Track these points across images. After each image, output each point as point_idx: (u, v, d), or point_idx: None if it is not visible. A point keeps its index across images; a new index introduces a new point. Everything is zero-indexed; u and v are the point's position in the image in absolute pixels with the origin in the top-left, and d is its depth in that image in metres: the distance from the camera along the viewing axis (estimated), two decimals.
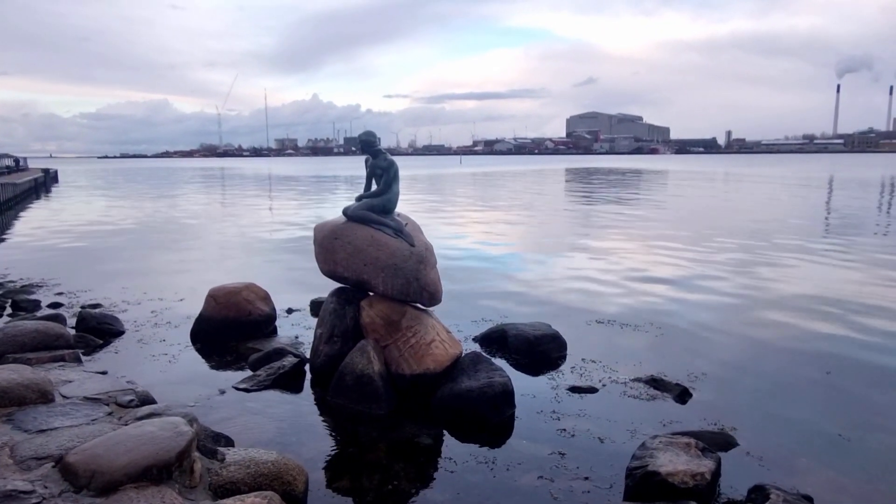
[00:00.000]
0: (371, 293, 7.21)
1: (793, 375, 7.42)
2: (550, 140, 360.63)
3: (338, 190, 46.02)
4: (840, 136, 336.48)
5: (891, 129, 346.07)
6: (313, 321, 9.53)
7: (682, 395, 6.61)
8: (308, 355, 7.60)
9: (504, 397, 6.20)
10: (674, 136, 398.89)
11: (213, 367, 7.71)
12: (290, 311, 10.18)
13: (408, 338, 6.86)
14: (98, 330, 8.80)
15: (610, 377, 7.19)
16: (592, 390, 6.78)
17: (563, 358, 7.84)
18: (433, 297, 7.11)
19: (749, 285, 11.98)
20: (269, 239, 19.03)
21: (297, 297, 10.88)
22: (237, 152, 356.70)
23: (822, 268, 13.81)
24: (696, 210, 27.72)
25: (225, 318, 8.73)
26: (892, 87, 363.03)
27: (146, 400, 5.43)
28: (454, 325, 8.37)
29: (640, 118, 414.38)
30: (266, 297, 9.33)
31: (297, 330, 9.20)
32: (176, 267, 14.34)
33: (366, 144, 7.26)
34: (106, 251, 16.83)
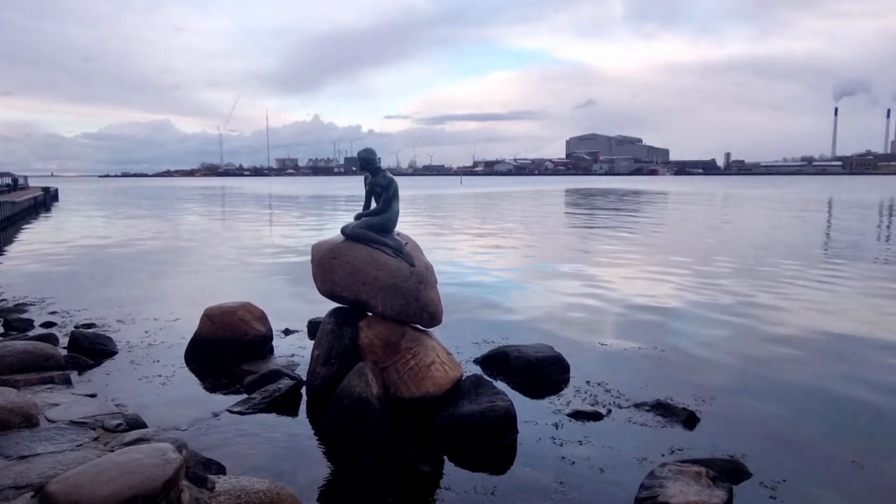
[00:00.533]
0: (370, 314, 7.04)
1: (801, 399, 7.22)
2: (550, 161, 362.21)
3: (337, 209, 45.97)
4: (838, 158, 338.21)
5: (888, 151, 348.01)
6: (310, 342, 9.34)
7: (690, 421, 6.41)
8: (305, 377, 7.41)
9: (506, 422, 6.00)
10: (673, 157, 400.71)
11: (207, 389, 7.51)
12: (286, 331, 9.99)
13: (407, 360, 6.68)
14: (90, 350, 8.61)
15: (615, 401, 6.99)
16: (597, 416, 6.57)
17: (566, 381, 7.64)
18: (433, 318, 6.94)
19: (753, 308, 11.80)
20: (267, 259, 18.88)
21: (294, 318, 10.69)
22: (238, 172, 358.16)
23: (827, 292, 13.64)
24: (698, 232, 27.62)
25: (220, 338, 8.54)
26: (888, 111, 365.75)
27: (135, 424, 5.24)
28: (454, 347, 8.18)
29: (640, 140, 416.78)
30: (262, 318, 9.15)
31: (294, 351, 9.01)
32: (172, 286, 14.17)
33: (365, 162, 7.14)
34: (103, 270, 16.67)
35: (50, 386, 6.48)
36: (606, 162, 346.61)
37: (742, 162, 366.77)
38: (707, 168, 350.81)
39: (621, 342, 9.34)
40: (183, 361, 8.46)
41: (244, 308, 8.98)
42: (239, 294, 13.02)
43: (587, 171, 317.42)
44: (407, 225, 25.30)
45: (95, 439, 4.65)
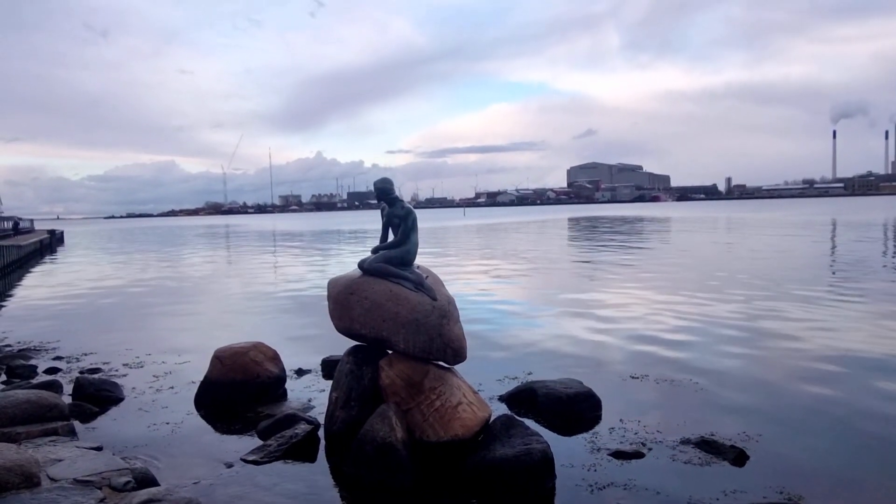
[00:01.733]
0: (390, 352, 6.66)
1: (851, 431, 6.77)
2: (552, 190, 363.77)
3: (343, 244, 45.76)
4: (840, 180, 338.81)
5: (889, 171, 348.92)
6: (325, 383, 8.96)
7: (740, 459, 5.96)
8: (322, 421, 6.99)
9: (544, 466, 5.56)
10: (674, 183, 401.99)
11: (219, 436, 7.09)
12: (300, 371, 9.59)
13: (432, 400, 6.27)
14: (96, 397, 8.23)
15: (654, 439, 6.54)
16: (638, 455, 6.13)
17: (598, 418, 7.20)
18: (458, 355, 6.56)
19: (784, 335, 11.36)
20: (275, 296, 18.52)
21: (307, 357, 10.31)
22: (242, 210, 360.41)
23: (853, 316, 13.20)
24: (713, 257, 27.22)
25: (231, 380, 8.15)
26: (887, 132, 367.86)
27: (145, 480, 4.84)
28: (476, 384, 7.75)
29: (640, 167, 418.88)
30: (275, 358, 8.77)
31: (309, 392, 8.60)
32: (180, 327, 13.79)
33: (382, 192, 6.84)
34: (109, 312, 16.33)
35: (53, 438, 6.10)
36: (608, 190, 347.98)
37: (744, 186, 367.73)
38: (709, 193, 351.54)
39: (650, 374, 8.90)
40: (193, 406, 8.06)
41: (255, 348, 8.61)
42: (248, 333, 12.65)
43: (589, 200, 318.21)
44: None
45: (101, 501, 4.25)
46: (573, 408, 7.19)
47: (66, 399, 7.96)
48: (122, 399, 8.39)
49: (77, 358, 10.85)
